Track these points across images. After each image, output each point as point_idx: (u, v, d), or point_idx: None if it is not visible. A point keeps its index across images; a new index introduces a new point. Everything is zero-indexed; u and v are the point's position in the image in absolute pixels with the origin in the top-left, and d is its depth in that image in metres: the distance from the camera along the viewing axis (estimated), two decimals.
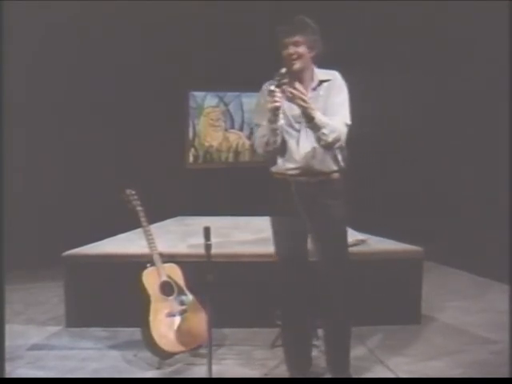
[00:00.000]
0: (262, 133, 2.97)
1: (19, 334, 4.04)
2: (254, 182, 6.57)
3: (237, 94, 6.88)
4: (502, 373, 3.15)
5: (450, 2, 5.36)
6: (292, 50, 2.93)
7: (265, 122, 2.95)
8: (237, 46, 6.14)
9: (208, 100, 6.82)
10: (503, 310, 3.95)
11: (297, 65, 2.95)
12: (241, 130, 6.99)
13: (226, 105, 6.90)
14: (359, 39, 5.81)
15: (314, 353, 3.51)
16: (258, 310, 3.98)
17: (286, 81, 2.87)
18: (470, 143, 5.56)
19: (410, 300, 4.23)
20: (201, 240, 2.96)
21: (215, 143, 6.90)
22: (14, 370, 3.42)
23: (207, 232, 2.95)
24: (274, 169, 3.07)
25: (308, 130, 2.93)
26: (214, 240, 2.98)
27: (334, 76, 3.06)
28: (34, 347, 3.87)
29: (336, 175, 3.04)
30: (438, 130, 5.96)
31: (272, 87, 2.82)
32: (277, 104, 2.82)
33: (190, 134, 6.78)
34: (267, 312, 3.82)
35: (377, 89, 5.96)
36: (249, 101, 6.92)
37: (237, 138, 6.98)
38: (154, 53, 5.99)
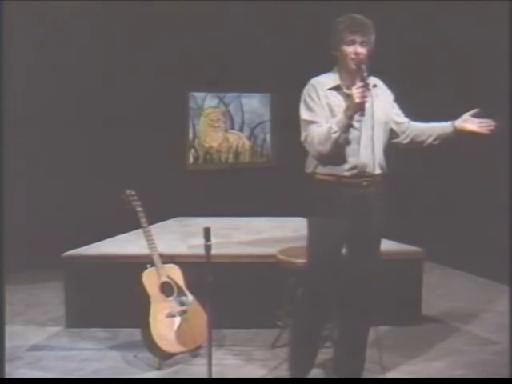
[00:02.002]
0: (328, 129, 2.82)
1: (19, 335, 4.04)
2: (254, 183, 6.61)
3: (237, 94, 6.88)
4: (502, 373, 3.15)
5: (449, 2, 5.36)
6: (359, 49, 2.88)
7: (322, 119, 2.88)
8: (237, 46, 6.14)
9: (208, 101, 6.81)
10: (503, 310, 3.96)
11: (360, 65, 2.88)
12: (241, 130, 6.99)
13: (226, 105, 6.90)
14: None
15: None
16: (258, 310, 3.98)
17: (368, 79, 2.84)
18: (470, 143, 5.55)
19: (410, 300, 4.23)
20: (201, 241, 2.96)
21: (215, 144, 6.89)
22: (14, 371, 3.42)
23: (207, 232, 2.95)
24: (322, 170, 2.95)
25: (373, 128, 2.91)
26: (214, 241, 2.98)
27: (380, 83, 3.09)
28: (34, 348, 3.87)
29: (381, 178, 3.01)
30: None
31: (358, 84, 2.78)
32: (367, 99, 2.78)
33: (190, 135, 6.77)
34: (267, 313, 3.82)
35: None
36: (249, 101, 6.93)
37: (237, 138, 6.97)
38: (154, 53, 5.99)
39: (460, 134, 3.05)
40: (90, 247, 4.38)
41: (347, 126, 2.84)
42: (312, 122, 2.91)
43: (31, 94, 5.57)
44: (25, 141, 5.48)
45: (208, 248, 2.95)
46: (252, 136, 7.02)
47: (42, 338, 4.04)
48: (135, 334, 3.77)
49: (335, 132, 2.82)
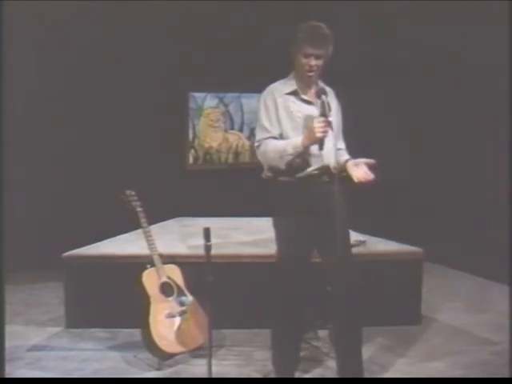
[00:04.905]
0: (283, 150, 2.90)
1: (19, 335, 4.04)
2: (253, 183, 6.58)
3: (236, 94, 6.88)
4: (502, 373, 3.15)
5: (449, 2, 5.37)
6: (313, 62, 2.94)
7: (276, 129, 2.96)
8: (237, 46, 6.14)
9: (208, 101, 6.81)
10: (503, 310, 3.96)
11: (313, 77, 2.99)
12: (240, 130, 6.98)
13: (226, 106, 6.90)
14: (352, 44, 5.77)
15: (315, 353, 3.53)
16: (258, 310, 3.97)
17: (328, 112, 2.89)
18: (470, 143, 5.57)
19: (410, 301, 4.23)
20: (201, 241, 2.96)
21: (215, 144, 6.89)
22: (14, 371, 3.42)
23: (207, 233, 2.95)
24: (283, 176, 3.01)
25: (334, 133, 2.91)
26: (213, 241, 2.98)
27: (331, 92, 3.15)
28: (34, 348, 3.87)
29: (339, 176, 3.03)
30: (438, 130, 5.96)
31: (320, 118, 2.84)
32: (326, 134, 2.83)
33: (190, 135, 6.77)
34: (267, 313, 3.81)
35: (372, 94, 5.97)
36: (248, 102, 6.92)
37: (236, 138, 6.97)
38: (153, 54, 5.99)
39: (345, 172, 3.03)
40: (90, 247, 4.38)
41: (302, 154, 2.91)
42: (267, 131, 2.99)
43: (31, 93, 5.57)
44: (25, 141, 5.49)
45: (208, 248, 2.95)
46: (252, 136, 7.00)
47: (42, 338, 4.04)
48: (135, 334, 3.77)
49: (289, 155, 2.91)
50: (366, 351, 3.50)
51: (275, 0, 5.94)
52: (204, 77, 6.29)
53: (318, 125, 2.83)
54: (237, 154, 6.99)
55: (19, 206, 5.26)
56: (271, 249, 3.88)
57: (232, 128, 6.95)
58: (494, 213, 5.21)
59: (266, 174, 3.11)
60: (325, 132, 2.83)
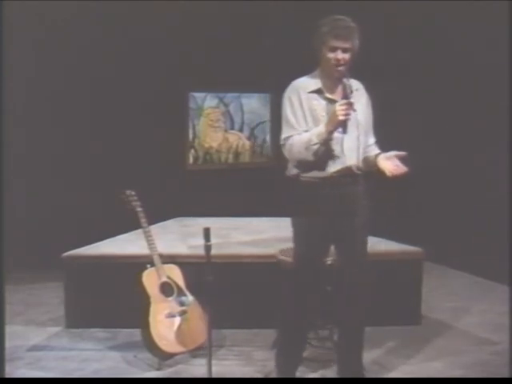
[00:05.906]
0: (308, 140, 2.84)
1: (19, 335, 4.04)
2: (254, 183, 6.60)
3: (237, 94, 6.88)
4: (502, 373, 3.15)
5: (449, 2, 5.36)
6: (340, 55, 2.86)
7: (303, 126, 2.91)
8: (236, 46, 6.14)
9: (208, 101, 6.81)
10: (503, 311, 3.96)
11: (342, 71, 2.90)
12: (241, 130, 6.98)
13: (226, 106, 6.89)
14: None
15: (316, 353, 3.53)
16: (258, 310, 3.98)
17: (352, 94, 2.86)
18: (470, 143, 5.56)
19: (410, 301, 4.23)
20: (201, 241, 2.96)
21: (215, 144, 6.89)
22: (14, 371, 3.41)
23: (207, 233, 2.95)
24: (306, 173, 2.97)
25: (351, 131, 2.88)
26: (213, 241, 2.98)
27: (361, 86, 3.09)
28: (34, 348, 3.87)
29: (362, 177, 3.05)
30: (437, 130, 5.96)
31: (342, 101, 2.81)
32: (348, 117, 2.79)
33: (190, 135, 6.77)
34: (267, 313, 3.82)
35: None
36: (248, 102, 6.92)
37: (237, 138, 6.97)
38: (153, 54, 5.99)
39: (376, 167, 2.99)
40: (90, 247, 4.38)
41: (327, 140, 2.86)
42: (293, 128, 2.93)
43: (31, 94, 5.57)
44: (25, 141, 5.49)
45: (208, 248, 2.95)
46: (252, 136, 7.01)
47: (42, 338, 4.04)
48: (135, 334, 3.77)
49: (315, 144, 2.85)
50: (367, 351, 3.50)
51: (275, 0, 5.94)
52: (204, 77, 6.29)
53: (340, 107, 2.77)
54: (237, 154, 6.98)
55: (19, 206, 5.26)
56: (271, 248, 3.90)
57: (232, 128, 6.95)
58: (494, 213, 5.21)
59: (291, 171, 3.04)
60: (347, 115, 2.77)
